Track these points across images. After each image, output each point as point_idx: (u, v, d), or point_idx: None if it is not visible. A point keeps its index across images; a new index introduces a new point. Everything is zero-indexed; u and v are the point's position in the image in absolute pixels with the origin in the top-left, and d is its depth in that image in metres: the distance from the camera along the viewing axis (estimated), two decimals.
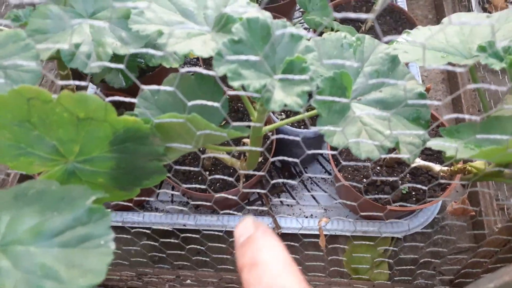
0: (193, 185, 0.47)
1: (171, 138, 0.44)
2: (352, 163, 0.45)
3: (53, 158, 0.43)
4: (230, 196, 0.56)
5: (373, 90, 0.51)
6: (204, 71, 0.34)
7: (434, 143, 0.45)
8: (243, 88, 0.39)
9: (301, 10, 1.30)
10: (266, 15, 0.49)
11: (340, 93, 0.46)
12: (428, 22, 1.38)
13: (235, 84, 0.37)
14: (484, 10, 1.34)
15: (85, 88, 1.13)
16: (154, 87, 0.39)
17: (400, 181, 0.84)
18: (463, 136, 0.52)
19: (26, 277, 0.34)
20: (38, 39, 0.57)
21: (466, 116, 0.29)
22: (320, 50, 0.51)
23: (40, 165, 0.44)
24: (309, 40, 0.44)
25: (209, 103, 0.38)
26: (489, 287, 0.36)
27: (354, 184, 0.57)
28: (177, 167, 0.45)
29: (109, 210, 0.37)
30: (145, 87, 0.39)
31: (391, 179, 0.83)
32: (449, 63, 0.54)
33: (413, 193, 0.84)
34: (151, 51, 0.32)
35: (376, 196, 0.83)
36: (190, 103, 0.38)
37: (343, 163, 0.45)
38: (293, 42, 0.42)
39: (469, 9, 1.31)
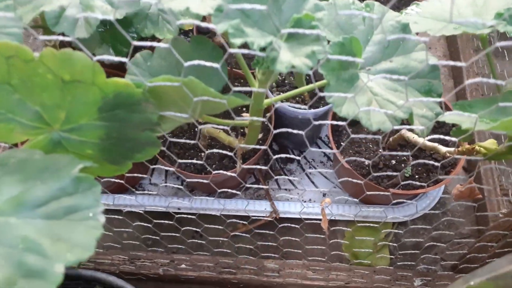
0: (189, 161, 0.43)
1: (165, 105, 0.40)
2: (360, 135, 0.41)
3: (36, 126, 0.40)
4: (228, 173, 0.52)
5: (383, 59, 0.47)
6: (203, 24, 0.31)
7: (449, 117, 0.42)
8: (245, 48, 0.35)
9: None
10: None
11: (349, 61, 0.43)
12: None
13: (237, 41, 0.33)
14: None
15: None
16: (147, 51, 0.35)
17: (402, 164, 0.81)
18: (476, 111, 0.49)
19: (6, 251, 0.30)
20: (21, 2, 0.53)
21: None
22: (328, 14, 0.47)
23: (22, 133, 0.40)
24: None
25: (208, 63, 0.34)
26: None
27: (356, 159, 0.54)
28: (173, 139, 0.42)
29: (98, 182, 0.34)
30: (138, 55, 0.35)
31: (396, 156, 0.80)
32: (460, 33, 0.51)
33: (416, 176, 0.81)
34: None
35: (380, 176, 0.80)
36: (186, 64, 0.34)
37: (351, 135, 0.42)
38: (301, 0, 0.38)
39: None
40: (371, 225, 0.68)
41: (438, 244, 0.75)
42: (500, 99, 0.45)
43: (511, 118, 0.36)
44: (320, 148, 1.02)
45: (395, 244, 0.76)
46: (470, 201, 0.89)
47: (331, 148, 0.93)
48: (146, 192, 0.93)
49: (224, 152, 0.44)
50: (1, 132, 0.39)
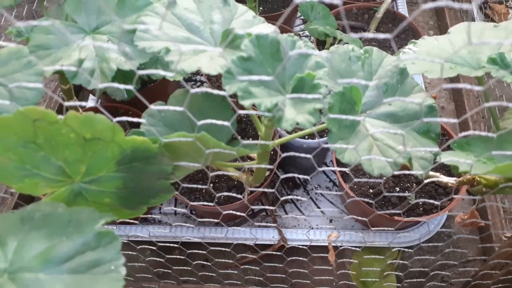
0: (201, 203, 0.46)
1: (179, 156, 0.43)
2: (363, 179, 0.44)
3: (59, 179, 0.42)
4: (236, 212, 0.55)
5: (382, 103, 0.50)
6: (215, 91, 0.34)
7: (447, 159, 0.45)
8: (253, 106, 0.38)
9: (302, 17, 1.30)
10: (273, 30, 0.48)
11: (350, 108, 0.46)
12: (430, 28, 1.38)
13: (246, 103, 0.36)
14: (486, 16, 1.34)
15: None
16: (161, 107, 0.38)
17: (407, 191, 0.83)
18: (474, 149, 0.52)
19: None
20: (40, 55, 0.56)
21: (475, 132, 0.29)
22: (328, 63, 0.50)
23: (46, 186, 0.43)
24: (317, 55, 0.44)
25: (219, 122, 0.37)
26: None
27: (364, 199, 0.56)
28: (185, 185, 0.44)
29: (118, 235, 0.36)
30: (153, 106, 0.38)
31: (400, 183, 0.82)
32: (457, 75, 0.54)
33: (420, 203, 0.83)
34: (161, 72, 0.31)
35: (384, 208, 0.82)
36: (199, 123, 0.37)
37: (355, 179, 0.44)
38: (303, 58, 0.41)
39: (470, 15, 1.31)
40: (378, 256, 0.70)
41: (443, 271, 0.77)
42: (496, 141, 0.48)
43: (505, 164, 0.38)
44: (325, 174, 1.04)
45: (401, 273, 0.78)
46: (475, 228, 0.90)
47: (336, 174, 0.96)
48: (156, 222, 0.95)
49: (233, 187, 0.46)
50: (28, 186, 0.42)
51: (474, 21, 1.28)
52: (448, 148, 0.55)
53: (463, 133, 0.35)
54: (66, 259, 0.35)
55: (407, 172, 0.43)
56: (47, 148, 0.40)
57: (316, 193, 1.01)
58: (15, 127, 0.39)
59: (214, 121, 0.37)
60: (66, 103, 0.36)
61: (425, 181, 0.46)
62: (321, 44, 1.04)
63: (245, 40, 0.40)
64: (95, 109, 0.37)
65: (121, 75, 0.85)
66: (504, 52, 0.49)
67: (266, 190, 0.46)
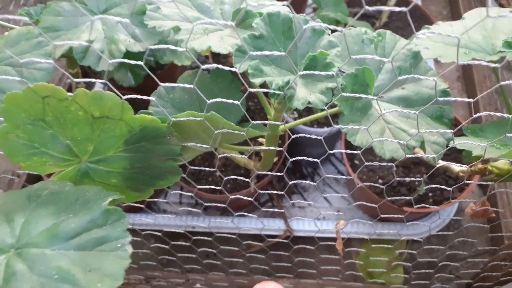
0: (207, 187, 0.45)
1: (187, 137, 0.42)
2: (374, 163, 0.43)
3: (66, 158, 0.42)
4: (244, 197, 0.54)
5: (395, 87, 0.49)
6: (226, 68, 0.33)
7: (460, 143, 0.44)
8: (263, 85, 0.37)
9: (314, 6, 1.28)
10: (285, 9, 0.47)
11: (363, 90, 0.45)
12: (443, 18, 1.35)
13: (257, 80, 0.35)
14: (500, 5, 1.32)
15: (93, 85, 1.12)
16: (170, 84, 0.37)
17: (416, 182, 0.82)
18: (487, 135, 0.51)
19: (43, 281, 0.32)
20: (50, 37, 0.56)
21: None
22: (340, 44, 0.49)
23: (53, 165, 0.42)
24: (329, 35, 0.43)
25: (229, 101, 0.36)
26: None
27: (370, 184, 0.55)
28: (192, 167, 0.44)
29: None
30: (162, 84, 0.38)
31: (408, 179, 0.81)
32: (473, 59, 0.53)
33: (430, 194, 0.82)
34: (170, 47, 0.30)
35: (394, 198, 0.81)
36: (209, 101, 0.36)
37: (366, 163, 0.44)
38: (315, 37, 0.40)
39: (484, 4, 1.29)
40: (385, 245, 0.69)
41: (451, 263, 0.76)
42: (510, 125, 0.46)
43: None
44: (333, 164, 1.03)
45: (409, 264, 0.77)
46: (485, 219, 0.89)
47: (344, 165, 0.95)
48: (161, 211, 0.95)
49: (239, 176, 0.46)
50: (35, 165, 0.42)
51: (488, 6, 1.25)
52: (461, 134, 0.54)
53: (476, 115, 0.34)
54: (73, 235, 0.34)
55: (419, 155, 0.42)
56: (56, 126, 0.40)
57: (324, 184, 1.00)
58: (25, 104, 0.38)
59: (224, 99, 0.36)
60: (77, 80, 0.35)
61: (437, 166, 0.46)
62: (332, 32, 1.03)
63: (256, 18, 0.39)
64: (104, 84, 0.36)
65: (129, 59, 0.85)
66: None
67: (274, 173, 0.46)
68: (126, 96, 0.37)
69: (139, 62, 0.34)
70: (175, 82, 0.84)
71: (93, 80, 0.34)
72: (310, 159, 0.43)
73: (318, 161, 0.39)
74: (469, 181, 0.55)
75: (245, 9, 0.42)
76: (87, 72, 0.99)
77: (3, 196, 0.39)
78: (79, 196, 0.38)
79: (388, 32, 0.52)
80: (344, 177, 0.47)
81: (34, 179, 0.96)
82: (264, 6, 0.48)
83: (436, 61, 0.59)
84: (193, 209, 0.68)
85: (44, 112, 0.39)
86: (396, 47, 0.50)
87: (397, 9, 0.27)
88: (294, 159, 0.41)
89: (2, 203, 0.37)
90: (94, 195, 0.37)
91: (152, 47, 0.35)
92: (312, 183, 0.46)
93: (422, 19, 1.07)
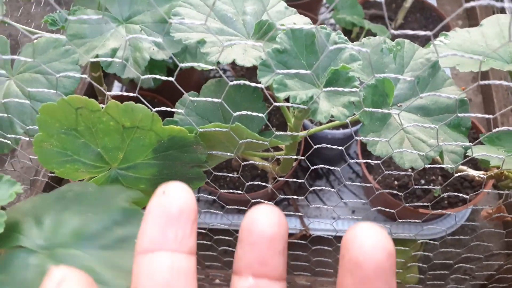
0: (229, 191, 0.47)
1: (213, 145, 0.44)
2: (393, 172, 0.44)
3: (97, 165, 0.44)
4: (263, 201, 0.56)
5: (413, 96, 0.50)
6: (253, 84, 0.34)
7: (479, 153, 0.45)
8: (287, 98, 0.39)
9: (327, 5, 1.29)
10: (306, 21, 0.49)
11: (382, 100, 0.46)
12: (458, 18, 1.35)
13: (281, 95, 0.37)
14: None
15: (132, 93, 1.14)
16: (197, 99, 0.39)
17: (431, 184, 0.83)
18: (504, 144, 0.51)
19: None
20: (76, 44, 0.58)
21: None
22: (359, 54, 0.50)
23: (85, 172, 0.44)
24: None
25: (254, 113, 0.38)
26: None
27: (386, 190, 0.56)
28: (216, 173, 0.46)
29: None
30: (188, 96, 0.39)
31: (423, 181, 0.82)
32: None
33: (445, 195, 0.83)
34: (201, 64, 0.32)
35: (409, 200, 0.82)
36: (235, 114, 0.38)
37: (386, 172, 0.45)
38: (337, 50, 0.41)
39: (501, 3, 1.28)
40: (401, 247, 0.71)
41: (465, 264, 0.77)
42: None
43: None
44: (348, 165, 1.04)
45: (424, 265, 0.78)
46: (500, 222, 0.90)
47: (360, 164, 0.96)
48: None
49: (256, 176, 0.47)
50: (68, 171, 0.44)
51: (505, 10, 1.24)
52: (478, 142, 0.55)
53: (496, 129, 0.35)
54: (96, 235, 0.36)
55: (437, 165, 0.43)
56: (87, 135, 0.42)
57: (339, 183, 1.02)
58: (59, 115, 0.40)
59: (249, 112, 0.37)
60: (109, 93, 0.37)
61: (454, 175, 0.47)
62: (347, 33, 1.03)
63: (280, 33, 0.40)
64: (135, 99, 0.38)
65: (149, 64, 0.87)
66: None
67: (291, 180, 0.47)
68: (156, 109, 0.39)
69: (170, 78, 0.35)
70: (194, 82, 0.86)
71: (129, 94, 0.36)
72: (326, 166, 0.44)
73: (339, 169, 0.40)
74: (485, 189, 0.56)
75: (268, 22, 0.44)
76: (105, 72, 1.02)
77: (34, 198, 0.41)
78: (100, 196, 0.40)
79: (407, 41, 0.52)
80: (358, 184, 0.48)
81: (56, 179, 0.99)
82: (284, 16, 0.50)
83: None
84: (210, 209, 0.70)
85: (76, 122, 0.41)
86: (415, 56, 0.51)
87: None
88: (314, 167, 0.42)
89: (33, 206, 0.40)
90: (113, 194, 0.39)
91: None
92: (329, 188, 0.47)
93: (438, 21, 1.07)
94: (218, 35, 0.47)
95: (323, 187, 0.55)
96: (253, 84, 0.34)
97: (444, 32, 0.63)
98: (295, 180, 0.47)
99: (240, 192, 0.51)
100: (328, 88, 0.34)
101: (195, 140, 0.42)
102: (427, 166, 0.44)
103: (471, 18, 1.31)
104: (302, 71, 0.31)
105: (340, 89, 0.33)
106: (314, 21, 1.08)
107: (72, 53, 0.54)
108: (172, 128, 0.41)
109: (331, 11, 1.04)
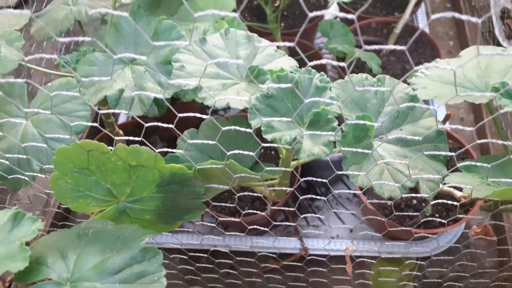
0: (228, 218, 0.51)
1: (210, 179, 0.49)
2: (377, 200, 0.48)
3: (107, 199, 0.49)
4: (260, 228, 0.60)
5: (394, 128, 0.54)
6: (242, 129, 0.39)
7: (452, 180, 0.49)
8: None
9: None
10: (292, 64, 0.54)
11: (363, 134, 0.50)
12: (450, 39, 1.40)
13: (269, 136, 0.41)
14: (506, 26, 1.35)
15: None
16: (197, 141, 0.44)
17: (423, 203, 0.87)
18: (480, 171, 0.55)
19: None
20: (86, 85, 0.64)
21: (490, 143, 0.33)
22: (343, 91, 0.55)
23: (96, 206, 0.49)
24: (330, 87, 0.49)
25: (245, 152, 0.42)
26: None
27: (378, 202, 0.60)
28: (215, 203, 0.50)
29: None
30: (186, 139, 0.44)
31: (416, 196, 0.86)
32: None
33: (437, 215, 0.86)
34: (198, 100, 0.37)
35: (402, 215, 0.86)
36: (229, 153, 0.43)
37: (374, 200, 0.49)
38: (319, 93, 0.46)
39: (488, 24, 1.33)
40: (394, 268, 0.74)
41: (458, 282, 0.80)
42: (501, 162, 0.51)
43: (502, 189, 0.42)
44: (345, 184, 1.09)
45: (418, 281, 0.81)
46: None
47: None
48: (182, 226, 1.02)
49: (255, 198, 0.52)
50: (81, 205, 0.49)
51: (494, 29, 1.29)
52: (455, 169, 0.59)
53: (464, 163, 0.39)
54: (117, 270, 0.41)
55: (415, 195, 0.47)
56: (98, 173, 0.47)
57: (336, 203, 1.06)
58: (72, 156, 0.45)
59: (241, 151, 0.42)
60: (118, 138, 0.42)
61: (433, 202, 0.51)
62: (340, 59, 1.09)
63: (268, 80, 0.45)
64: (140, 142, 0.43)
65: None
66: (507, 80, 0.53)
67: (285, 209, 0.52)
68: (159, 150, 0.44)
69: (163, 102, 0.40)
70: (195, 109, 0.91)
71: (134, 138, 0.41)
72: (322, 184, 0.48)
73: (336, 192, 0.45)
74: (475, 207, 0.59)
75: (258, 68, 0.49)
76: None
77: (57, 233, 0.46)
78: (119, 235, 0.44)
79: (387, 77, 0.57)
80: (354, 191, 0.52)
81: (66, 207, 1.04)
82: (274, 58, 0.55)
83: None
84: (213, 231, 0.74)
85: (88, 162, 0.46)
86: (395, 91, 0.56)
87: (397, 48, 0.33)
88: (304, 196, 0.47)
89: (56, 240, 0.44)
90: (132, 234, 0.44)
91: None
92: (321, 215, 0.51)
93: (427, 45, 1.12)
94: (214, 78, 0.52)
95: (321, 207, 0.59)
96: (242, 129, 0.39)
97: (425, 64, 0.68)
98: (290, 209, 0.51)
99: (236, 219, 0.56)
100: (309, 132, 0.38)
101: (194, 175, 0.47)
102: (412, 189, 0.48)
103: (462, 39, 1.36)
104: (285, 119, 0.35)
105: (318, 132, 0.38)
106: (309, 48, 1.13)
107: (83, 95, 0.60)
108: (173, 166, 0.45)
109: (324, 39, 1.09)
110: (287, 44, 0.32)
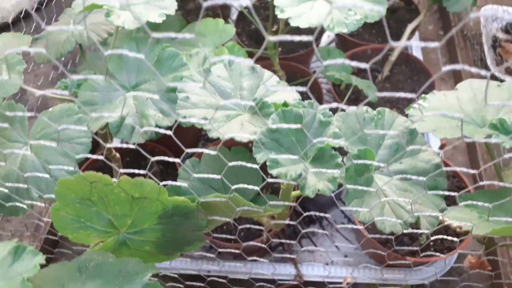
0: (228, 245, 0.51)
1: (212, 211, 0.49)
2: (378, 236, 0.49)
3: (107, 230, 0.49)
4: (257, 259, 0.60)
5: (394, 161, 0.55)
6: (249, 165, 0.39)
7: (452, 215, 0.49)
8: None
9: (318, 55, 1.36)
10: (296, 97, 0.54)
11: (364, 168, 0.51)
12: (443, 65, 1.43)
13: (274, 172, 0.42)
14: (497, 54, 1.39)
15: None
16: (195, 159, 0.44)
17: (418, 233, 0.87)
18: (478, 205, 0.56)
19: None
20: (87, 110, 0.64)
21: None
22: (344, 123, 0.55)
23: (96, 237, 0.49)
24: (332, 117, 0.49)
25: (250, 186, 0.43)
26: None
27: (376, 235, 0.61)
28: (216, 235, 0.50)
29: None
30: (185, 166, 0.44)
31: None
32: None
33: (431, 243, 0.87)
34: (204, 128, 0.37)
35: (398, 243, 0.86)
36: (233, 187, 0.43)
37: (369, 236, 0.49)
38: (322, 128, 0.47)
39: (480, 53, 1.36)
40: None
41: None
42: (496, 194, 0.52)
43: (502, 228, 0.43)
44: (341, 210, 1.09)
45: None
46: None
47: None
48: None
49: (252, 224, 0.51)
50: (81, 236, 0.48)
51: (485, 57, 1.33)
52: (454, 203, 0.60)
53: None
54: None
55: (415, 231, 0.48)
56: (100, 204, 0.47)
57: (331, 228, 1.06)
58: (75, 187, 0.45)
59: (245, 185, 0.42)
60: (122, 170, 0.42)
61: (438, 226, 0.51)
62: (336, 85, 1.10)
63: (273, 113, 0.46)
64: (144, 175, 0.43)
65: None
66: (504, 117, 0.54)
67: (285, 241, 0.52)
68: (163, 182, 0.44)
69: (169, 131, 0.40)
70: (194, 134, 0.91)
71: (136, 170, 0.41)
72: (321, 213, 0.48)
73: (329, 216, 0.45)
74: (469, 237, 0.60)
75: (262, 100, 0.49)
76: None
77: (57, 266, 0.45)
78: (121, 268, 0.44)
79: (387, 110, 0.58)
80: (349, 226, 0.52)
81: None
82: (276, 90, 0.55)
83: None
84: (208, 254, 0.73)
85: (90, 193, 0.46)
86: (394, 124, 0.57)
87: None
88: (305, 231, 0.47)
89: (57, 274, 0.44)
90: (134, 268, 0.43)
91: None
92: (323, 231, 0.51)
93: (422, 73, 1.14)
94: (219, 109, 0.52)
95: (316, 231, 0.59)
96: (249, 165, 0.39)
97: (423, 96, 0.69)
98: (290, 241, 0.51)
99: (234, 240, 0.55)
100: (314, 170, 0.39)
101: (197, 208, 0.47)
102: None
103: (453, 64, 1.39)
104: (292, 157, 0.36)
105: (326, 170, 0.38)
106: (306, 73, 1.15)
107: (84, 121, 0.60)
108: (177, 199, 0.45)
109: (320, 62, 1.11)
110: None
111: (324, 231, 0.63)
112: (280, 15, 0.70)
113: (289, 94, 0.54)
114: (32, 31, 1.14)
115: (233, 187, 0.42)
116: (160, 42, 0.67)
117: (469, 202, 0.53)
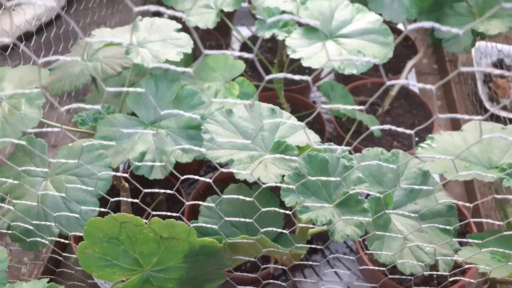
0: (238, 275, 0.52)
1: (237, 251, 0.50)
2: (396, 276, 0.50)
3: (133, 269, 0.49)
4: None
5: (409, 202, 0.57)
6: (276, 209, 0.41)
7: (465, 255, 0.51)
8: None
9: (317, 85, 1.40)
10: (315, 139, 0.56)
11: (383, 209, 0.53)
12: (437, 99, 1.48)
13: (304, 216, 0.43)
14: (489, 89, 1.45)
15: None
16: (216, 196, 0.45)
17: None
18: (487, 244, 0.58)
19: None
20: (106, 146, 0.64)
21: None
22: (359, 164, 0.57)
23: (121, 275, 0.49)
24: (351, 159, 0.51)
25: (274, 229, 0.44)
26: None
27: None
28: (237, 273, 0.51)
29: None
30: (207, 204, 0.45)
31: None
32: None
33: (435, 275, 0.89)
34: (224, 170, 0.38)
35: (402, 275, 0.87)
36: (262, 230, 0.44)
37: (389, 276, 0.51)
38: (346, 171, 0.49)
39: (473, 87, 1.42)
40: None
41: None
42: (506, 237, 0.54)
43: None
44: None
45: None
46: None
47: (354, 241, 1.02)
48: None
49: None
50: (106, 274, 0.49)
51: (478, 92, 1.38)
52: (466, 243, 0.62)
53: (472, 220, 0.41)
54: None
55: (434, 273, 0.49)
56: (127, 243, 0.47)
57: (334, 258, 1.07)
58: (104, 227, 0.46)
59: (270, 228, 0.44)
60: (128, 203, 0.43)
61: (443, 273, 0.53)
62: (339, 118, 1.13)
63: (299, 158, 0.48)
64: (176, 217, 0.44)
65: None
66: (509, 157, 0.57)
67: (290, 276, 0.53)
68: (193, 225, 0.45)
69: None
70: (196, 165, 0.91)
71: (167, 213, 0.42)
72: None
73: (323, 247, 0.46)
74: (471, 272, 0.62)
75: (286, 144, 0.51)
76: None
77: None
78: None
79: (401, 152, 0.61)
80: (349, 252, 0.54)
81: (59, 253, 1.01)
82: (296, 131, 0.57)
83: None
84: None
85: (119, 232, 0.46)
86: (408, 166, 0.59)
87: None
88: (309, 263, 0.48)
89: None
90: None
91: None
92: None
93: (420, 107, 1.18)
94: (241, 150, 0.54)
95: (318, 262, 0.60)
96: (276, 209, 0.40)
97: (430, 136, 0.72)
98: (296, 278, 0.52)
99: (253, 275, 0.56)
100: (345, 217, 0.40)
101: (223, 248, 0.48)
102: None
103: (449, 99, 1.44)
104: (327, 205, 0.37)
105: (356, 217, 0.40)
106: (306, 103, 1.18)
107: (105, 157, 0.60)
108: (205, 240, 0.46)
109: (318, 89, 1.14)
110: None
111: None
112: (292, 55, 0.73)
113: (309, 135, 0.56)
114: (32, 53, 1.15)
115: (262, 230, 0.43)
116: (178, 80, 0.69)
117: (479, 241, 0.55)
